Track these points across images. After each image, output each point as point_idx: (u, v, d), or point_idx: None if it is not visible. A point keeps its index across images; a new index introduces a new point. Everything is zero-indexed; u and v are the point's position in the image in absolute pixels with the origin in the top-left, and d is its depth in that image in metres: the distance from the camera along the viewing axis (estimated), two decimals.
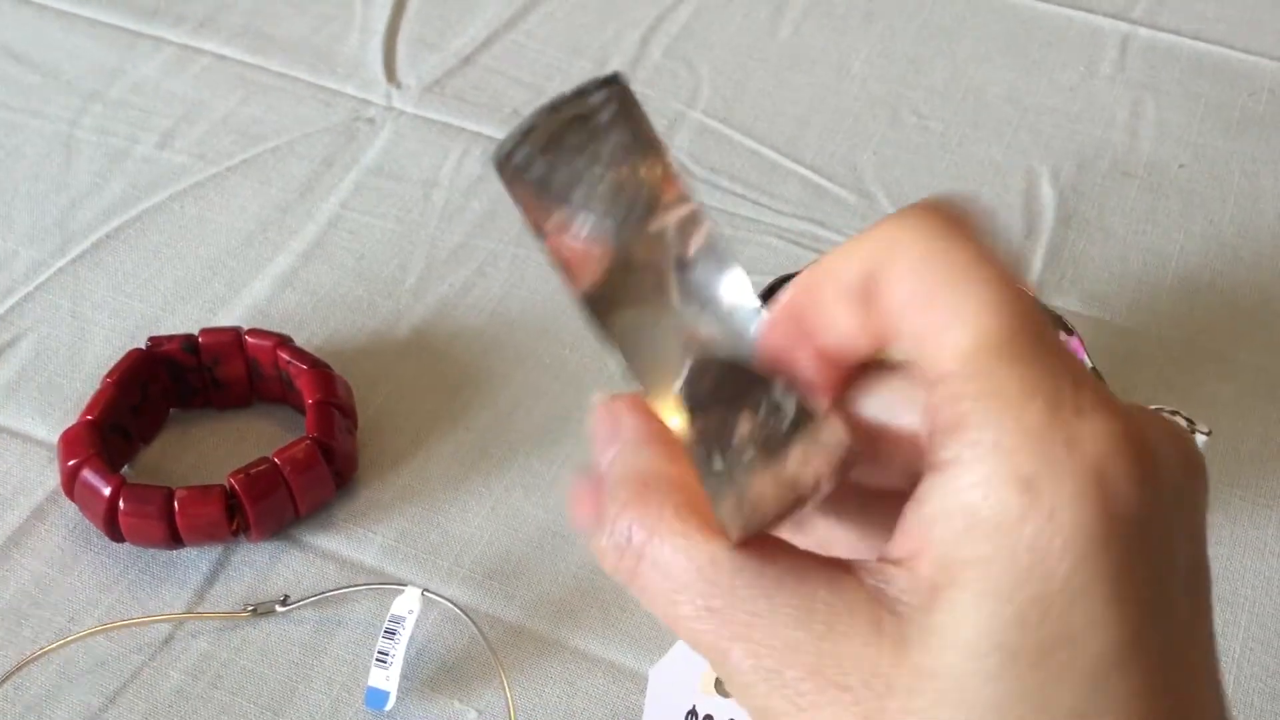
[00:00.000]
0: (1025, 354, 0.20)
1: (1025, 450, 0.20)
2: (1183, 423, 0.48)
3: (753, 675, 0.21)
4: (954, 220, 0.22)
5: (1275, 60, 0.78)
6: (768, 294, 0.56)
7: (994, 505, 0.20)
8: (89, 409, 0.53)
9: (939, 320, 0.21)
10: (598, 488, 0.24)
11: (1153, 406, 0.49)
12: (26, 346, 0.60)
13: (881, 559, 0.21)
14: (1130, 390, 0.58)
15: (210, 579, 0.52)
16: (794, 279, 0.24)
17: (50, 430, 0.56)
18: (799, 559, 0.22)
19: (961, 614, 0.20)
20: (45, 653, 0.49)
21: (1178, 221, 0.69)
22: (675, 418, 0.23)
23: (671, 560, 0.22)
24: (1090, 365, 0.51)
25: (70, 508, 0.53)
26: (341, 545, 0.53)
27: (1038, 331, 0.21)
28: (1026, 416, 0.20)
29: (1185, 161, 0.72)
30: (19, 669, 0.49)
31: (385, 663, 0.48)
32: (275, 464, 0.52)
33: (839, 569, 0.22)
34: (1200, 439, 0.48)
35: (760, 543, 0.22)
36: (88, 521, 0.53)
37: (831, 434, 0.22)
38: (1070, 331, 0.53)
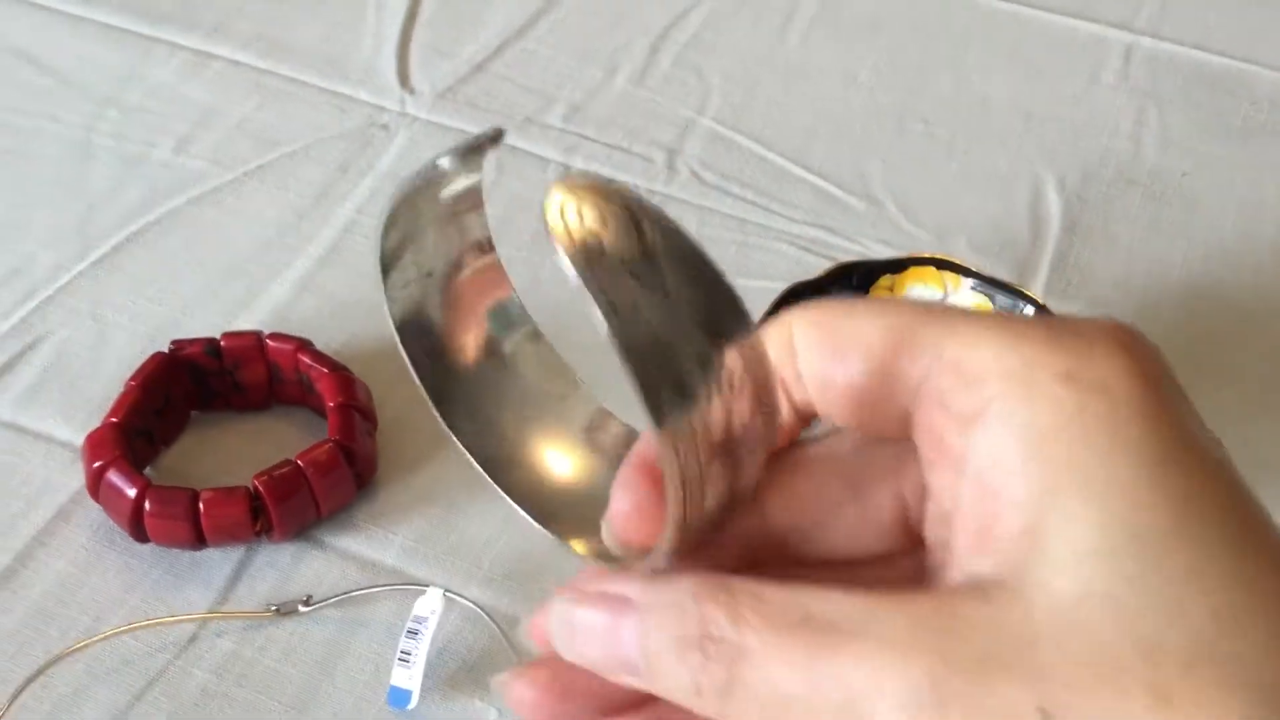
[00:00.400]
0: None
1: (1047, 362, 0.20)
2: None
3: None
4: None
5: (1277, 70, 0.79)
6: (781, 302, 0.57)
7: (1048, 410, 0.20)
8: (113, 411, 0.54)
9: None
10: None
11: None
12: (48, 349, 0.61)
13: (951, 557, 0.21)
14: None
15: (234, 579, 0.53)
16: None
17: (73, 432, 0.57)
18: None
19: (1066, 524, 0.19)
20: (72, 652, 0.50)
21: (1181, 230, 0.70)
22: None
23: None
24: None
25: (94, 509, 0.54)
26: (363, 546, 0.54)
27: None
28: (1025, 348, 0.21)
29: (1188, 170, 0.73)
30: (46, 668, 0.50)
31: (408, 662, 0.49)
32: (298, 466, 0.52)
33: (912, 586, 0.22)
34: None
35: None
36: (112, 522, 0.53)
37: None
38: None
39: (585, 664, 0.23)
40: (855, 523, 0.25)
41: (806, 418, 0.24)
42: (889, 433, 0.23)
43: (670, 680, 0.22)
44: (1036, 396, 0.20)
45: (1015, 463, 0.20)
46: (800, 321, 0.23)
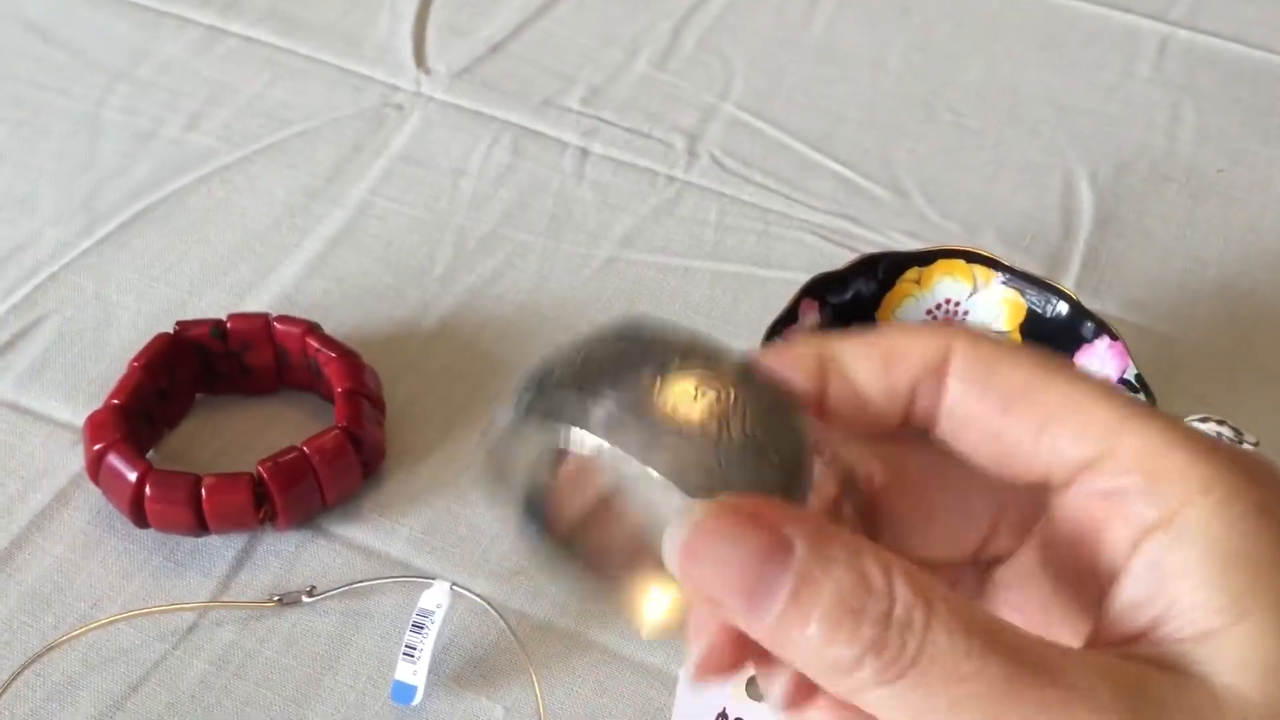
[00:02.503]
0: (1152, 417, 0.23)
1: (1244, 489, 0.22)
2: (1229, 433, 0.47)
3: None
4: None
5: None
6: (803, 294, 0.56)
7: (1242, 537, 0.21)
8: (115, 393, 0.53)
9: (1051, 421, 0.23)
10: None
11: (1197, 416, 0.49)
12: (51, 328, 0.60)
13: (1123, 637, 0.22)
14: (1169, 398, 0.57)
15: (235, 568, 0.51)
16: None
17: (74, 413, 0.56)
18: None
19: (1259, 638, 0.21)
20: (68, 639, 0.49)
21: (1217, 227, 0.68)
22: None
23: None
24: (1135, 372, 0.50)
25: (94, 492, 0.53)
26: (368, 536, 0.53)
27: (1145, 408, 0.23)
28: (1214, 466, 0.22)
29: (1224, 166, 0.71)
30: (41, 656, 0.48)
31: (413, 657, 0.48)
32: (304, 453, 0.51)
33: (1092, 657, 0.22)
34: (1247, 448, 0.47)
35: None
36: (112, 507, 0.52)
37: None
38: (1115, 336, 0.52)
39: (697, 582, 0.21)
40: (947, 528, 0.26)
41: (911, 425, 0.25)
42: (1012, 477, 0.24)
43: (815, 644, 0.20)
44: (1234, 522, 0.22)
45: (1205, 575, 0.21)
46: (962, 352, 0.24)
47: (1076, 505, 0.23)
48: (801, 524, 0.21)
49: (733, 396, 0.23)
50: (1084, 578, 0.24)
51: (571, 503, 0.26)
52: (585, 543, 0.26)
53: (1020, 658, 0.20)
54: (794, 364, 0.24)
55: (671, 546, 0.21)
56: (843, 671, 0.20)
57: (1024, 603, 0.26)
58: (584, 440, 0.22)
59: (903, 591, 0.20)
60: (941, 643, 0.20)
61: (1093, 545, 0.23)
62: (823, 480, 0.25)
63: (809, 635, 0.20)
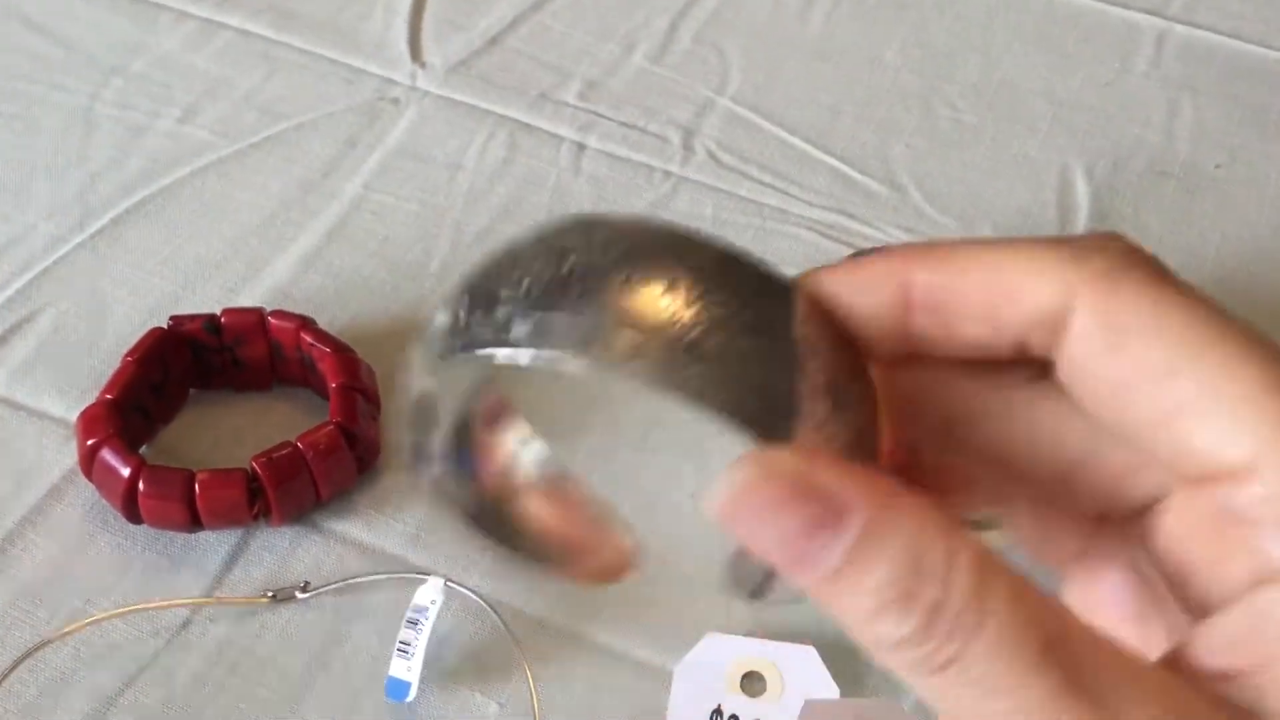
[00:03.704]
0: None
1: None
2: None
3: None
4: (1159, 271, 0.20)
5: None
6: None
7: None
8: (109, 387, 0.53)
9: (1195, 399, 0.20)
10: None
11: None
12: (44, 322, 0.59)
13: (1213, 671, 0.20)
14: None
15: (229, 563, 0.51)
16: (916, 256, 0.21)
17: (67, 408, 0.55)
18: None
19: None
20: (60, 636, 0.49)
21: (1214, 223, 0.68)
22: None
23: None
24: None
25: (87, 487, 0.52)
26: (363, 532, 0.53)
27: None
28: None
29: (1222, 162, 0.71)
30: (33, 652, 0.48)
31: (407, 653, 0.47)
32: (298, 448, 0.51)
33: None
34: None
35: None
36: (105, 502, 0.52)
37: None
38: None
39: (739, 537, 0.20)
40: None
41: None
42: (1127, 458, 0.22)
43: (862, 616, 0.19)
44: None
45: None
46: (1089, 309, 0.20)
47: (1199, 506, 0.21)
48: (864, 489, 0.19)
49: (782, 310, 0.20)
50: (1186, 581, 0.21)
51: (506, 451, 0.24)
52: (519, 501, 0.24)
53: (1073, 676, 0.19)
54: (867, 287, 0.21)
55: (713, 501, 0.20)
56: (884, 648, 0.19)
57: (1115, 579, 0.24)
58: (525, 358, 0.19)
59: (961, 582, 0.19)
60: (986, 650, 0.19)
61: (1206, 555, 0.21)
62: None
63: (857, 605, 0.19)
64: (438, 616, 0.48)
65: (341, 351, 0.54)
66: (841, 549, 0.19)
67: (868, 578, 0.19)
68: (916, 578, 0.19)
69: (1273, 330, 0.69)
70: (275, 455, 0.50)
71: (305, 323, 0.55)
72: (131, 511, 0.50)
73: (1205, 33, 0.79)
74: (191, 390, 0.57)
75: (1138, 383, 0.20)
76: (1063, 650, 0.19)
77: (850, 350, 0.21)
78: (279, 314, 0.56)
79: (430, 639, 0.48)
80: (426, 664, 0.47)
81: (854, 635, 0.20)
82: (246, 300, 0.60)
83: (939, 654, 0.19)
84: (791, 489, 0.19)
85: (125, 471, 0.50)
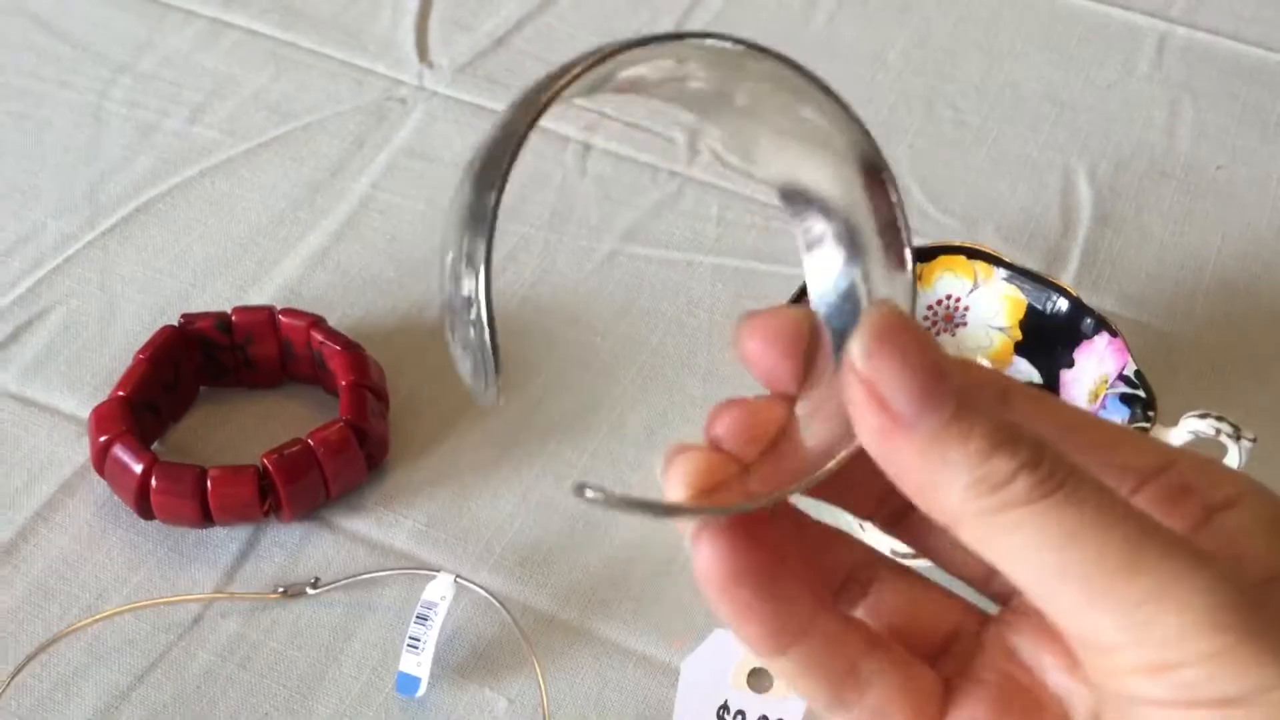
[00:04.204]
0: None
1: None
2: (1227, 429, 0.48)
3: None
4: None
5: None
6: (804, 290, 0.56)
7: None
8: (121, 385, 0.53)
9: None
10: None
11: (1196, 412, 0.49)
12: (55, 320, 0.60)
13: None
14: (1168, 395, 0.57)
15: (240, 559, 0.52)
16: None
17: (79, 404, 0.56)
18: None
19: None
20: (73, 630, 0.49)
21: (1215, 224, 0.68)
22: None
23: None
24: (1135, 368, 0.50)
25: (99, 484, 0.53)
26: (372, 528, 0.53)
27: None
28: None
29: (1223, 163, 0.71)
30: (46, 647, 0.49)
31: (417, 649, 0.48)
32: (309, 445, 0.51)
33: None
34: (1245, 445, 0.48)
35: None
36: (117, 499, 0.52)
37: None
38: (1115, 333, 0.52)
39: (877, 372, 0.21)
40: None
41: None
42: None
43: (973, 459, 0.21)
44: None
45: None
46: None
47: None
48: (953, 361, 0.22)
49: None
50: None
51: None
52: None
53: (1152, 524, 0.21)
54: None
55: (864, 334, 0.21)
56: (994, 486, 0.21)
57: None
58: None
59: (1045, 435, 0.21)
60: (1089, 474, 0.21)
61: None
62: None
63: (969, 449, 0.21)
64: (447, 612, 0.49)
65: (351, 349, 0.55)
66: (954, 395, 0.21)
67: (980, 422, 0.21)
68: (1013, 426, 0.21)
69: (1273, 330, 0.69)
70: (286, 452, 0.51)
71: (315, 321, 0.56)
72: (143, 507, 0.51)
73: (1207, 34, 0.79)
74: (202, 388, 0.57)
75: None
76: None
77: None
78: (289, 312, 0.56)
79: (440, 634, 0.48)
80: (436, 659, 0.48)
81: (953, 490, 0.21)
82: (255, 298, 0.61)
83: (1053, 476, 0.21)
84: (921, 335, 0.21)
85: (137, 468, 0.50)
